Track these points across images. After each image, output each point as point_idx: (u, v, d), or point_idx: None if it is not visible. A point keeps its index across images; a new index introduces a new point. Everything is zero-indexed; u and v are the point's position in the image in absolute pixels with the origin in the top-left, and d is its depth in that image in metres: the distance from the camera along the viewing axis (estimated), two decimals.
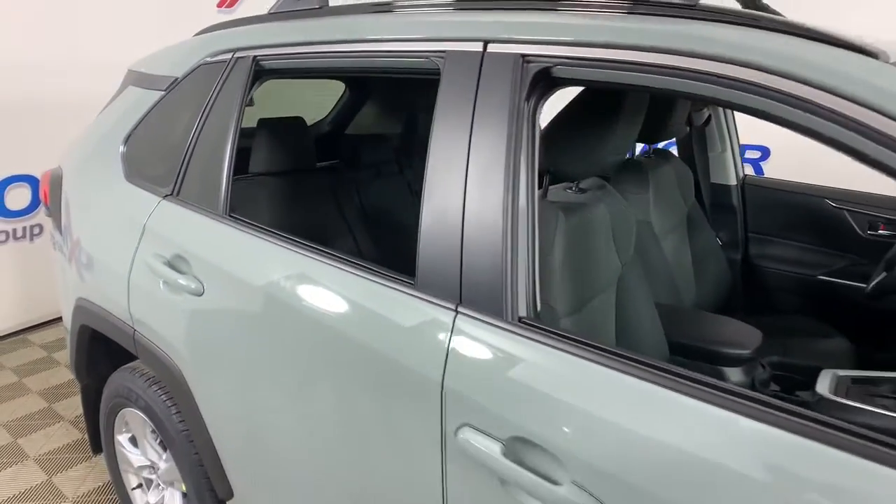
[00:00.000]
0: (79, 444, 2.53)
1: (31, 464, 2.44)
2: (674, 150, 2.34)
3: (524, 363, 0.92)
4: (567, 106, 1.21)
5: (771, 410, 0.75)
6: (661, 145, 2.09)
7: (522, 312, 0.97)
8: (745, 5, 1.30)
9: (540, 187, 1.27)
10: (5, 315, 3.44)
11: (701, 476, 0.77)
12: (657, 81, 0.88)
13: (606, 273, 1.42)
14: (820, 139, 0.78)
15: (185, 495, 1.77)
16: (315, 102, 2.94)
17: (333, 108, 2.89)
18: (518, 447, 0.89)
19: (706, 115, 2.06)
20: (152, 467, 1.85)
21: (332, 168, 2.30)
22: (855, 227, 1.98)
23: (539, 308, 1.01)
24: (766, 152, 4.81)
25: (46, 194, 2.14)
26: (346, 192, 2.09)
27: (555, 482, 0.85)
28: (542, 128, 1.20)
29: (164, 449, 1.74)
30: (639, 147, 2.10)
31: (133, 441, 1.90)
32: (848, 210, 2.00)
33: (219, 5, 3.80)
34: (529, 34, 1.01)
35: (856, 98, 0.74)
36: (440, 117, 1.07)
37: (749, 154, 4.92)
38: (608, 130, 1.20)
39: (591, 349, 0.89)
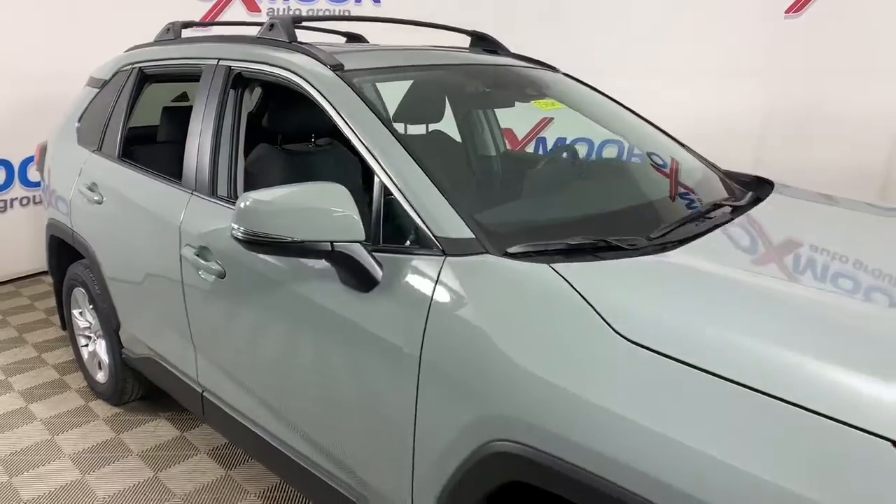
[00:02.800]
0: (62, 339, 3.61)
1: (29, 348, 3.54)
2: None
3: (211, 213, 1.92)
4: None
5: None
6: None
7: (222, 193, 1.96)
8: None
9: (277, 142, 2.27)
10: (26, 260, 4.59)
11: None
12: (264, 77, 1.88)
13: None
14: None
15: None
16: None
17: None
18: (201, 250, 1.89)
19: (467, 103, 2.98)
20: (90, 327, 2.91)
21: None
22: None
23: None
24: None
25: (38, 160, 3.24)
26: None
27: (209, 261, 1.84)
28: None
29: (95, 310, 2.79)
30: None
31: (81, 314, 2.97)
32: None
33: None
34: (232, 55, 2.02)
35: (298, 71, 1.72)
36: (197, 98, 2.09)
37: (636, 150, 5.77)
38: (281, 113, 2.19)
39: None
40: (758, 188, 2.15)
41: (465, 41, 2.59)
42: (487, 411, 1.17)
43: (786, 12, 4.64)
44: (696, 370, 0.98)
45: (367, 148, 1.53)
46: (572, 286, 1.16)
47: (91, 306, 2.82)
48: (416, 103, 2.01)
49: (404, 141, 1.52)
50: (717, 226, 1.57)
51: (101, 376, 2.90)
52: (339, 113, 1.61)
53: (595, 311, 1.11)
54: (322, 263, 1.49)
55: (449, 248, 1.33)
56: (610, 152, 2.33)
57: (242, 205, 1.37)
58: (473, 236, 1.33)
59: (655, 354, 1.02)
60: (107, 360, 2.79)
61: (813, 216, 1.87)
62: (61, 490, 2.35)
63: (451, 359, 1.25)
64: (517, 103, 2.31)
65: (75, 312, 3.00)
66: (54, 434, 2.71)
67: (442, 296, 1.29)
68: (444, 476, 1.27)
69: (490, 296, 1.24)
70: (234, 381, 1.92)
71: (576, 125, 2.43)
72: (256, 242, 1.36)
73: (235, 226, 1.37)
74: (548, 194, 1.77)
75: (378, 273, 1.40)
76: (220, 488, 2.36)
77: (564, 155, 2.69)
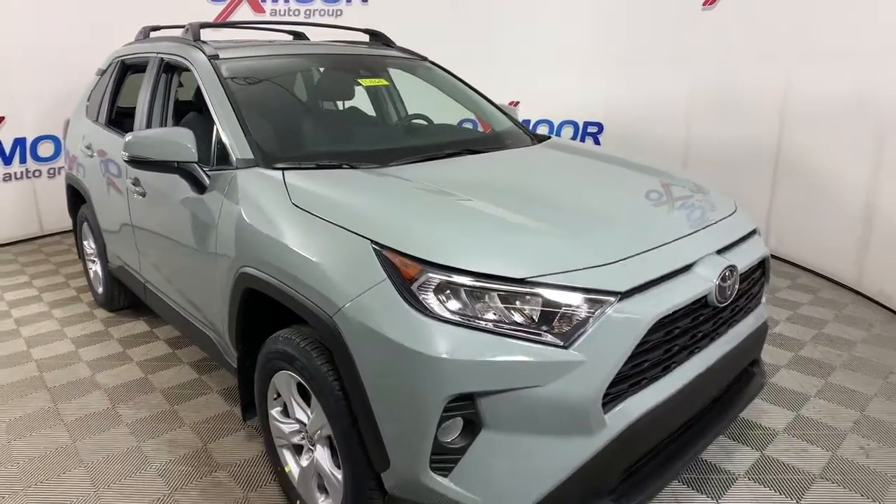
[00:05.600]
0: (82, 273, 4.71)
1: (60, 276, 4.66)
2: None
3: None
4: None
5: None
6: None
7: None
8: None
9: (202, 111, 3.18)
10: (49, 221, 5.72)
11: None
12: (178, 64, 2.78)
13: None
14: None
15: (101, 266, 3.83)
16: None
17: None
18: (135, 180, 2.83)
19: (375, 87, 3.79)
20: (93, 252, 3.94)
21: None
22: None
23: None
24: (601, 127, 6.27)
25: (64, 131, 4.31)
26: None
27: (138, 187, 2.78)
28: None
29: (93, 237, 3.81)
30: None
31: (87, 243, 4.01)
32: None
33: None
34: (163, 50, 2.94)
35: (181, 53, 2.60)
36: (144, 80, 3.02)
37: (590, 129, 6.41)
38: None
39: None
40: (540, 141, 2.91)
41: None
42: (239, 252, 2.03)
43: (703, 5, 5.18)
44: (318, 218, 1.80)
45: (211, 105, 2.41)
46: (284, 180, 2.00)
47: (92, 236, 3.84)
48: (279, 83, 2.85)
49: (234, 102, 2.38)
50: (442, 159, 2.36)
51: (100, 290, 3.93)
52: (203, 84, 2.50)
53: (287, 192, 1.94)
54: (186, 182, 2.38)
55: (240, 164, 2.18)
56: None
57: (126, 139, 2.27)
58: (253, 157, 2.18)
59: (304, 211, 1.85)
60: (102, 276, 3.81)
61: (528, 158, 2.60)
62: (60, 356, 3.37)
63: (227, 226, 2.11)
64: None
65: (85, 242, 4.05)
66: (63, 326, 3.75)
67: (229, 192, 2.15)
68: (227, 297, 2.14)
69: (248, 189, 2.09)
70: (154, 267, 2.87)
71: (426, 101, 3.22)
72: (133, 161, 2.26)
73: (123, 152, 2.28)
74: (333, 138, 2.60)
75: (206, 182, 2.27)
76: (166, 360, 3.31)
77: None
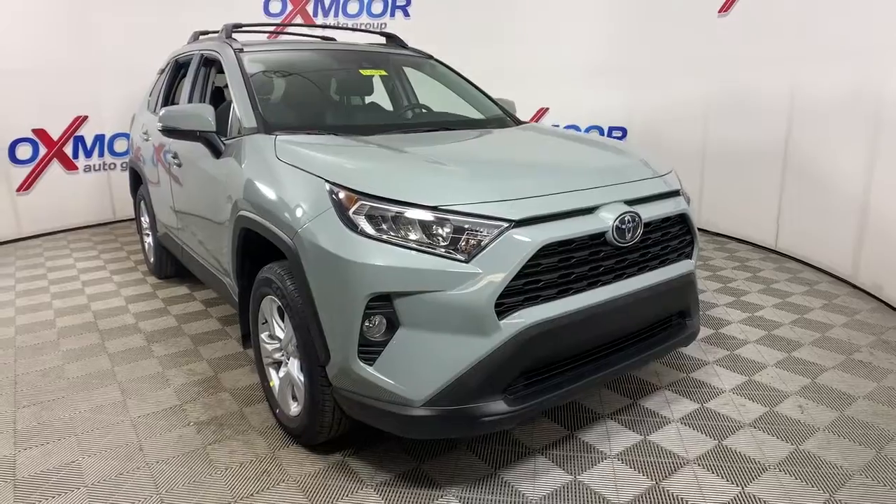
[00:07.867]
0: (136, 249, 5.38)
1: (123, 252, 5.34)
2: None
3: None
4: None
5: None
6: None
7: None
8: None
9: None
10: (121, 208, 6.48)
11: None
12: (214, 58, 3.31)
13: None
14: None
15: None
16: None
17: None
18: (174, 154, 3.37)
19: (392, 81, 4.23)
20: (147, 227, 4.56)
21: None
22: None
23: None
24: (625, 132, 6.49)
25: (131, 126, 5.00)
26: None
27: (176, 159, 3.32)
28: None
29: (148, 213, 4.43)
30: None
31: (145, 219, 4.64)
32: None
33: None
34: (204, 47, 3.50)
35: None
36: (188, 73, 3.59)
37: (615, 134, 6.63)
38: None
39: None
40: (518, 124, 3.27)
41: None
42: (238, 198, 2.49)
43: (719, 12, 5.37)
44: (292, 166, 2.23)
45: (231, 86, 2.91)
46: (275, 142, 2.45)
47: (147, 211, 4.47)
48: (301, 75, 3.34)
49: (248, 84, 2.87)
50: (417, 133, 2.76)
51: (152, 260, 4.55)
52: (227, 71, 3.01)
53: (275, 150, 2.39)
54: (207, 149, 2.88)
55: (246, 132, 2.66)
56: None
57: (161, 112, 2.79)
58: (256, 126, 2.65)
59: (283, 163, 2.29)
60: (153, 247, 4.42)
61: (497, 135, 2.97)
62: (113, 308, 3.97)
63: (233, 180, 2.58)
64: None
65: (142, 218, 4.69)
66: (119, 288, 4.38)
67: (236, 154, 2.63)
68: (231, 240, 2.60)
69: (249, 149, 2.56)
70: (187, 227, 3.39)
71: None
72: (165, 130, 2.78)
73: (158, 122, 2.80)
74: (328, 116, 3.06)
75: (222, 148, 2.77)
76: (198, 314, 3.84)
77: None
